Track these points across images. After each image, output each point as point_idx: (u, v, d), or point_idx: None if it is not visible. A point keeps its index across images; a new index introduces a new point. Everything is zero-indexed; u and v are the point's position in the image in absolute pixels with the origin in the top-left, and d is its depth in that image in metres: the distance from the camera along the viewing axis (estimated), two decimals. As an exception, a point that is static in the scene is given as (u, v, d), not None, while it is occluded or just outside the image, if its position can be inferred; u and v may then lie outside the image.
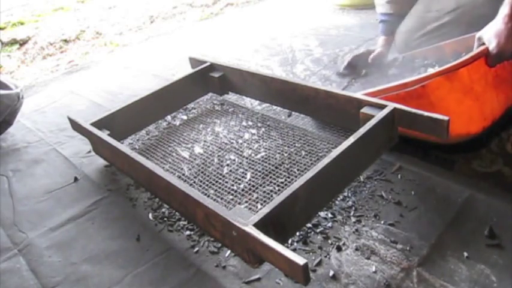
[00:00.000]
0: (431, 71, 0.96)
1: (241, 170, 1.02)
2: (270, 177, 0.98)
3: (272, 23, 2.15)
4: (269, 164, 1.02)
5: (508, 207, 0.84)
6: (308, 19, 2.11)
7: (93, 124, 1.10)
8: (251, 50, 1.83)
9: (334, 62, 1.59)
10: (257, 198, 0.93)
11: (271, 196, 0.92)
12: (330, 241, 0.84)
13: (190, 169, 1.06)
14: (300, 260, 0.59)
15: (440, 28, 1.20)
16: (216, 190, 0.97)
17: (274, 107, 1.30)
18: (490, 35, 0.88)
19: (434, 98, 0.89)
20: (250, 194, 0.94)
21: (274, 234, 0.69)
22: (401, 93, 0.93)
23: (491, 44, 0.87)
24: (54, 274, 0.87)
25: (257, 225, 0.67)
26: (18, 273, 0.89)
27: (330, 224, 0.87)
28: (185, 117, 1.33)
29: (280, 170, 1.00)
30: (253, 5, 2.57)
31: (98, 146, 1.14)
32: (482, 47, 0.89)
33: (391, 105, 0.91)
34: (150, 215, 0.98)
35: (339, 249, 0.82)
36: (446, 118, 0.82)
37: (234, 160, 1.06)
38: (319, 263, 0.79)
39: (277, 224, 0.72)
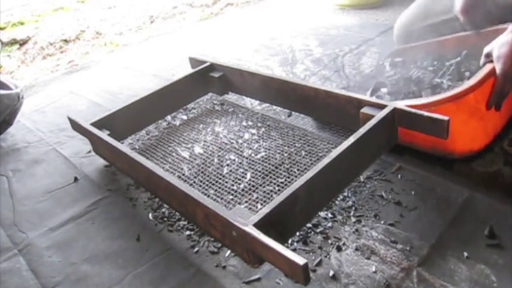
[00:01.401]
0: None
1: (241, 170, 1.02)
2: (270, 177, 0.98)
3: (272, 23, 2.15)
4: (269, 164, 1.02)
5: (508, 207, 0.84)
6: (308, 19, 2.11)
7: (93, 124, 1.10)
8: (251, 50, 1.83)
9: (334, 62, 1.59)
10: (257, 198, 0.93)
11: (271, 196, 0.92)
12: (330, 241, 0.84)
13: (190, 169, 1.06)
14: (300, 260, 0.58)
15: (447, 22, 1.16)
16: (216, 190, 0.97)
17: (274, 107, 1.30)
18: (498, 54, 0.87)
19: None
20: (250, 194, 0.94)
21: (274, 234, 0.69)
22: None
23: (498, 65, 0.86)
24: (54, 274, 0.87)
25: (257, 225, 0.67)
26: (18, 273, 0.89)
27: (330, 224, 0.87)
28: (185, 117, 1.33)
29: (280, 170, 1.00)
30: (253, 5, 2.57)
31: (98, 146, 1.14)
32: (489, 66, 0.88)
33: (391, 105, 0.91)
34: (150, 215, 0.98)
35: (339, 249, 0.82)
36: (446, 118, 0.82)
37: (234, 160, 1.06)
38: (319, 263, 0.79)
39: (277, 224, 0.72)
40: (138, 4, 2.96)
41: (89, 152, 1.23)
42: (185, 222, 0.94)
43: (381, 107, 0.92)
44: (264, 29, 2.06)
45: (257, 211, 0.71)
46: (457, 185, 0.92)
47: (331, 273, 0.77)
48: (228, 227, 0.71)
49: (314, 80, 1.47)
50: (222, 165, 1.05)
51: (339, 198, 0.93)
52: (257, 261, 0.71)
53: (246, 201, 0.92)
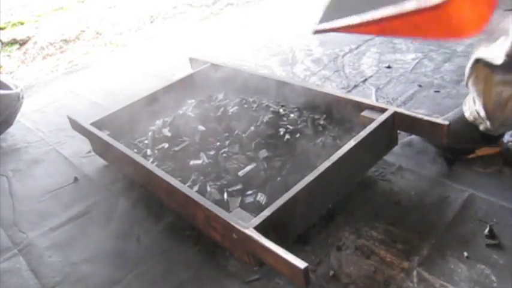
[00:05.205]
0: None
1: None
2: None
3: (272, 23, 2.14)
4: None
5: (508, 207, 0.84)
6: (308, 19, 2.10)
7: (93, 124, 1.10)
8: (251, 50, 1.83)
9: (334, 62, 1.59)
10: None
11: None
12: (330, 241, 0.84)
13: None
14: (300, 263, 0.58)
15: None
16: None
17: (274, 107, 1.30)
18: None
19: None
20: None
21: (274, 237, 0.69)
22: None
23: None
24: (54, 274, 0.87)
25: (258, 228, 0.67)
26: (18, 273, 0.89)
27: (330, 224, 0.87)
28: (185, 117, 1.32)
29: (280, 170, 0.99)
30: (253, 5, 2.57)
31: (98, 146, 1.14)
32: None
33: (391, 109, 0.91)
34: (150, 215, 0.98)
35: (339, 249, 0.82)
36: (446, 123, 0.82)
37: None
38: (319, 263, 0.79)
39: (278, 226, 0.72)
40: (138, 4, 2.96)
41: (89, 152, 1.23)
42: (185, 222, 0.94)
43: (381, 110, 0.92)
44: (264, 29, 2.06)
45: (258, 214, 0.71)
46: (457, 185, 0.92)
47: (331, 273, 0.77)
48: (229, 230, 0.71)
49: (314, 80, 1.47)
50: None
51: (339, 199, 0.93)
52: (257, 263, 0.71)
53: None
